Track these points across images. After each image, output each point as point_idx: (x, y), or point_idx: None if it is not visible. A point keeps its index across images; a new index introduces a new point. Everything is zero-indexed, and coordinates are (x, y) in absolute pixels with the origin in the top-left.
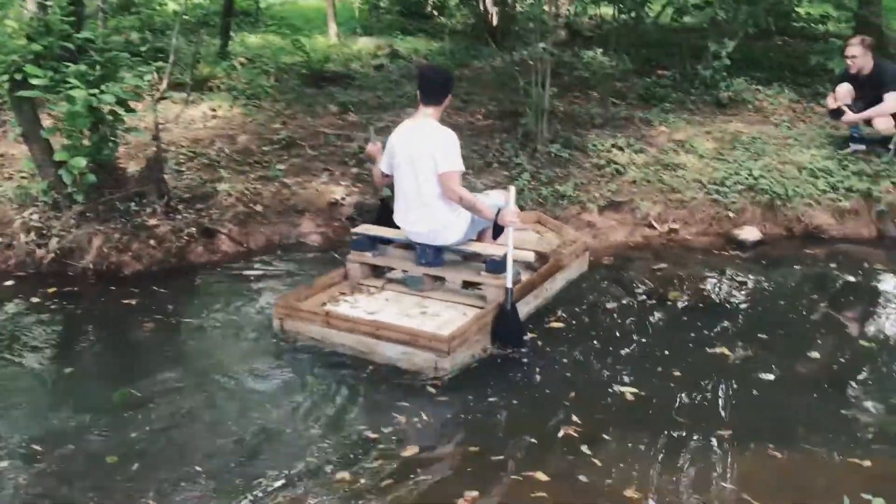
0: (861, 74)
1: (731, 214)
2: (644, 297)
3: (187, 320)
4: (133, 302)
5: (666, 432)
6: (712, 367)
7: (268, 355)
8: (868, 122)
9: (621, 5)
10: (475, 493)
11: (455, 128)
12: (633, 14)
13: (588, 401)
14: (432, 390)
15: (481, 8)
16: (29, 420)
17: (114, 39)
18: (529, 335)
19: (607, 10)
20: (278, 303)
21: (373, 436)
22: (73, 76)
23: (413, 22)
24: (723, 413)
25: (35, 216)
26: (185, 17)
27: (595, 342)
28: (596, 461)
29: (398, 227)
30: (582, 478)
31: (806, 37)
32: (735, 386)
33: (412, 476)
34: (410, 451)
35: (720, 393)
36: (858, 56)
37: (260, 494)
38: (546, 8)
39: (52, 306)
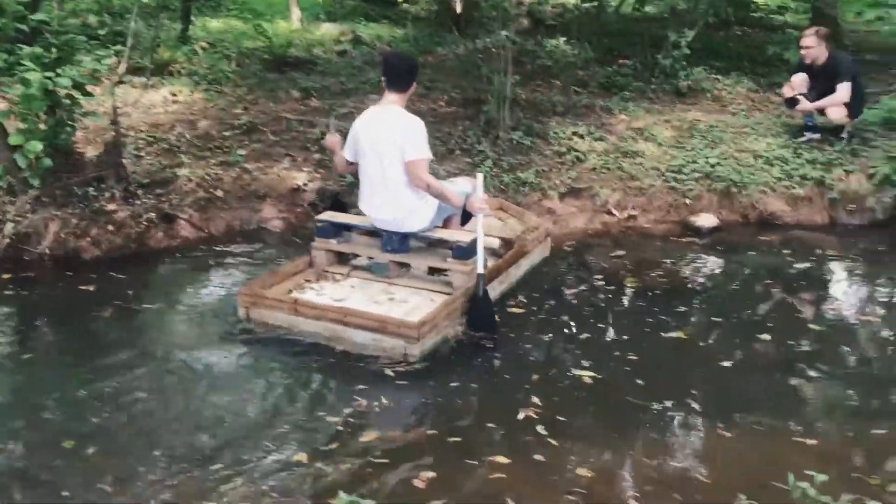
0: (816, 65)
1: (688, 202)
2: (603, 282)
3: (147, 306)
4: (91, 288)
5: (621, 413)
6: (668, 350)
7: (229, 341)
8: (822, 111)
9: None
10: (432, 475)
11: (418, 114)
12: (595, 3)
13: (548, 384)
14: (395, 375)
15: None
16: None
17: (70, 22)
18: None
19: None
20: (243, 290)
21: (333, 420)
22: (27, 59)
23: (376, 8)
24: (676, 394)
25: None
26: (144, 0)
27: (556, 327)
28: (553, 442)
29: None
30: (538, 458)
31: (764, 27)
32: (689, 368)
33: (370, 459)
34: (369, 435)
35: (674, 375)
36: (813, 47)
37: (217, 478)
38: None
39: (8, 292)
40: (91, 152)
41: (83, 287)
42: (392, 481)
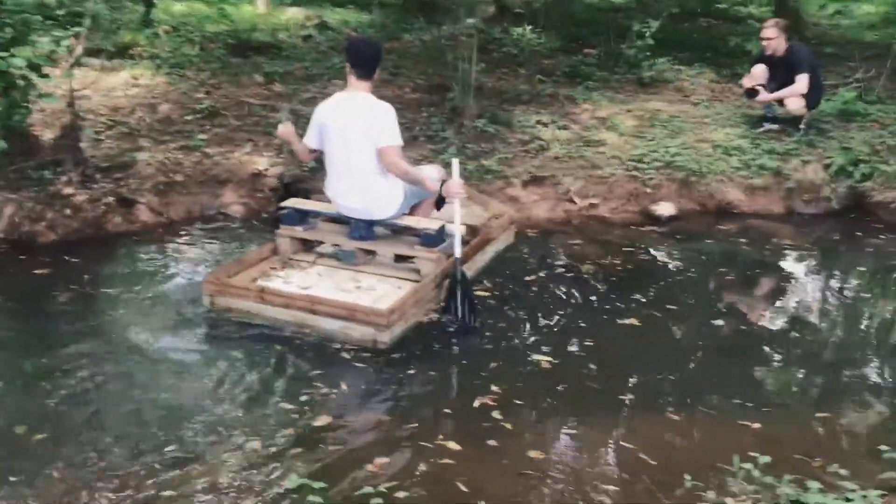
0: (775, 56)
1: (648, 190)
2: (563, 269)
3: (104, 291)
4: (47, 272)
5: (576, 398)
6: (622, 336)
7: (187, 328)
8: (781, 102)
9: None
10: (385, 460)
11: (384, 100)
12: None
13: (507, 369)
14: (355, 362)
15: None
16: None
17: (26, 1)
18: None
19: None
20: (208, 278)
21: (288, 406)
22: None
23: None
24: (629, 379)
25: None
26: None
27: (516, 313)
28: (507, 426)
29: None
30: (492, 442)
31: (729, 18)
32: (642, 354)
33: (322, 445)
34: (323, 420)
35: (627, 361)
36: (773, 38)
37: (168, 464)
38: None
39: None
40: (48, 135)
41: (38, 271)
42: (344, 465)
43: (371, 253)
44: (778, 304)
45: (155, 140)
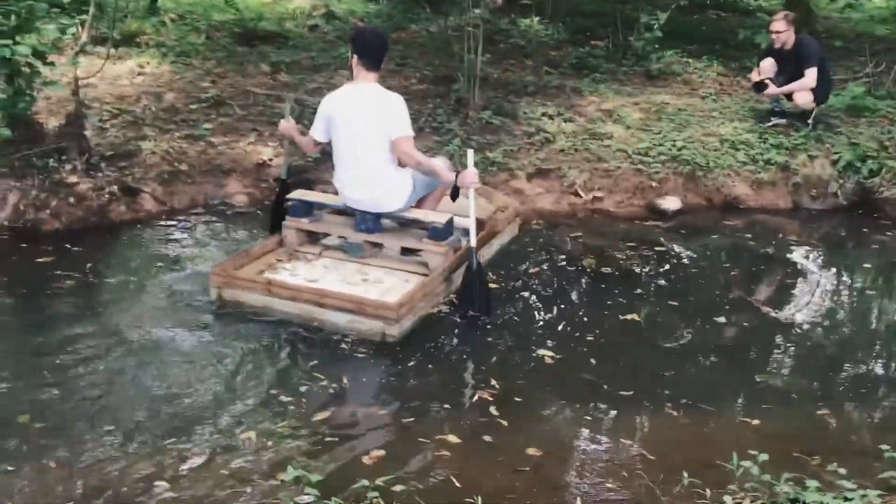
0: (784, 49)
1: (653, 184)
2: (566, 263)
3: (107, 280)
4: (50, 260)
5: (574, 394)
6: (623, 332)
7: (189, 318)
8: (789, 96)
9: None
10: (381, 453)
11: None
12: None
13: (508, 364)
14: (355, 355)
15: None
16: None
17: None
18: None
19: None
20: (215, 271)
21: (287, 398)
22: None
23: None
24: (629, 376)
25: None
26: None
27: (519, 307)
28: (504, 422)
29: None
30: (488, 438)
31: (738, 11)
32: (642, 350)
33: (320, 437)
34: (322, 413)
35: (628, 357)
36: (782, 31)
37: (165, 455)
38: None
39: None
40: (53, 123)
41: (42, 259)
42: (341, 458)
43: (377, 246)
44: (782, 300)
45: (160, 129)
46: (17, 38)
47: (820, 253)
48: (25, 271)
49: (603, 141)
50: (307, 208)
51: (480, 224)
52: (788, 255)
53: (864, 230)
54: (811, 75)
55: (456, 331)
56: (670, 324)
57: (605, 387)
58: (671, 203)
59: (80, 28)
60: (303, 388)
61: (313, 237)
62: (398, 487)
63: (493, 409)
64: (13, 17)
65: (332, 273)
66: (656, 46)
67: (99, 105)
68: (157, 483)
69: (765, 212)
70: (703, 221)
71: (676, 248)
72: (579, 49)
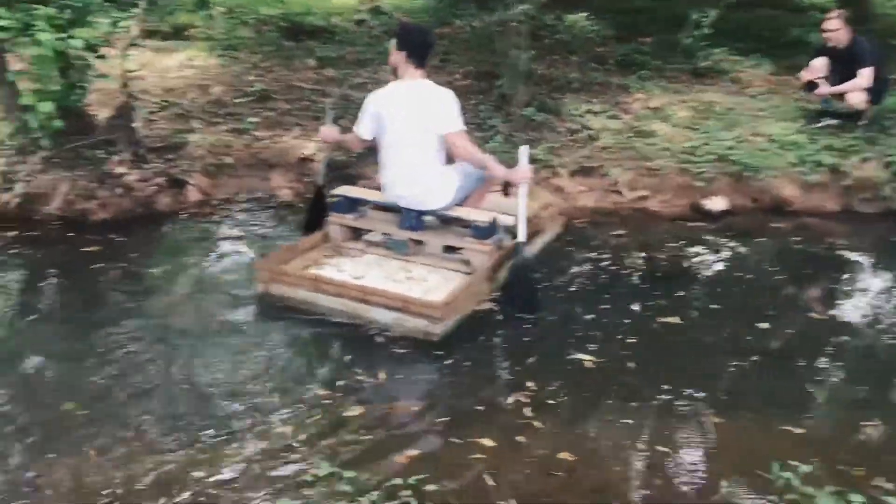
0: (838, 48)
1: (699, 184)
2: (608, 263)
3: (152, 270)
4: (97, 249)
5: (612, 398)
6: (664, 335)
7: (233, 310)
8: (842, 96)
9: None
10: (415, 453)
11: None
12: None
13: (545, 366)
14: (396, 352)
15: None
16: None
17: None
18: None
19: None
20: (261, 265)
21: (322, 393)
22: (41, 19)
23: None
24: (668, 380)
25: (1, 160)
26: None
27: (559, 307)
28: (538, 425)
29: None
30: (521, 440)
31: (791, 9)
32: (682, 353)
33: (355, 434)
34: (356, 409)
35: (668, 361)
36: (836, 30)
37: (203, 446)
38: None
39: (13, 251)
40: (104, 115)
41: (89, 248)
42: (375, 456)
43: (420, 243)
44: (830, 305)
45: (206, 122)
46: (71, 32)
47: (870, 257)
48: (72, 260)
49: (648, 139)
50: (351, 204)
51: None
52: (837, 260)
53: None
54: (866, 75)
55: (495, 330)
56: (712, 327)
57: (644, 391)
58: (717, 204)
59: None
60: (339, 384)
61: (357, 233)
62: (430, 487)
63: (527, 412)
64: (68, 11)
65: (376, 269)
66: (705, 44)
67: (148, 97)
68: (192, 474)
69: (814, 215)
70: (749, 223)
71: (721, 250)
72: (626, 45)
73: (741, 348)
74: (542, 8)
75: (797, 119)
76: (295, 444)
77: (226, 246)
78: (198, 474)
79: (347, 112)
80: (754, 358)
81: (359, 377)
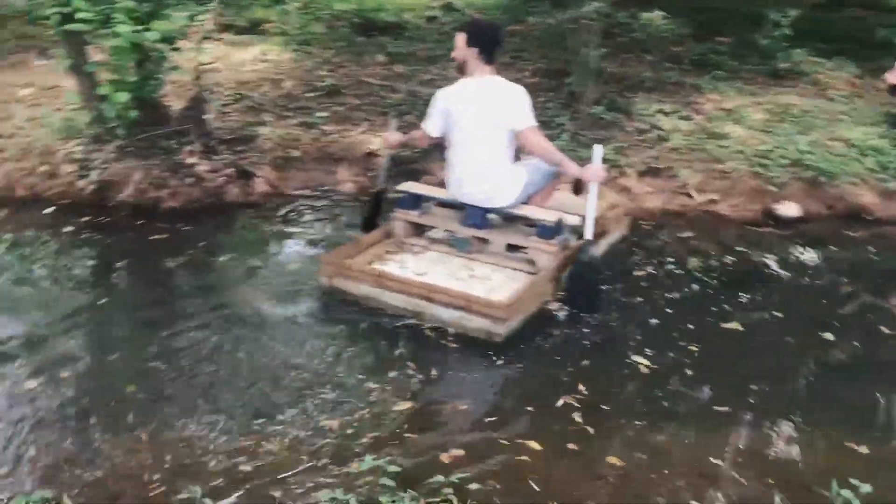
0: None
1: (772, 189)
2: (673, 266)
3: (219, 259)
4: (165, 237)
5: (666, 405)
6: (724, 342)
7: (294, 302)
8: None
9: None
10: (460, 453)
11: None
12: None
13: (600, 369)
14: (450, 350)
15: None
16: (58, 344)
17: None
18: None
19: None
20: (327, 260)
21: (373, 387)
22: (120, 12)
23: None
24: (725, 389)
25: (79, 148)
26: None
27: (620, 310)
28: (589, 429)
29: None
30: (571, 445)
31: (879, 9)
32: (743, 362)
33: (399, 429)
34: (404, 405)
35: (728, 368)
36: None
37: (251, 435)
38: None
39: (84, 235)
40: (178, 106)
41: (159, 236)
42: (419, 452)
43: (483, 241)
44: None
45: (277, 115)
46: (148, 25)
47: None
48: (141, 247)
49: (721, 141)
50: (416, 201)
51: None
52: None
53: None
54: None
55: (553, 331)
56: (775, 336)
57: (699, 399)
58: (790, 209)
59: (210, 15)
60: (391, 378)
61: (420, 229)
62: (473, 486)
63: (578, 415)
64: (147, 4)
65: (439, 267)
66: (785, 44)
67: (222, 90)
68: (237, 462)
69: (893, 224)
70: (822, 231)
71: (790, 257)
72: (702, 45)
73: (803, 359)
74: (616, 5)
75: (880, 123)
76: (340, 437)
77: (290, 238)
78: (242, 462)
79: (414, 108)
80: (817, 370)
81: (410, 373)
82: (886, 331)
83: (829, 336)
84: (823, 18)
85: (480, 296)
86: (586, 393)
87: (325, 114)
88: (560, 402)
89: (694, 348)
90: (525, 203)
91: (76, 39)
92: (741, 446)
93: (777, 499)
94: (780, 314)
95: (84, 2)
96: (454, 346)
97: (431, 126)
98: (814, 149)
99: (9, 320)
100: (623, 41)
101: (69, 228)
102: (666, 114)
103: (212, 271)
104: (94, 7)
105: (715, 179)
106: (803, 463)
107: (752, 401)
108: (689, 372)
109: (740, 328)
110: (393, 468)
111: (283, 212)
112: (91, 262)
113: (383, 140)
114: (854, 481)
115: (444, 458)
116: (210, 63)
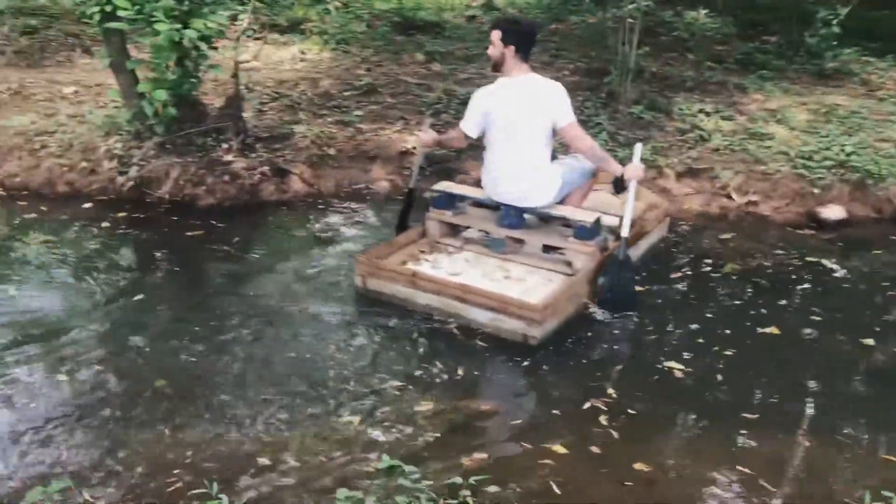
0: None
1: (816, 191)
2: (710, 269)
3: (254, 256)
4: (201, 234)
5: (696, 411)
6: (760, 347)
7: (326, 299)
8: None
9: None
10: (483, 456)
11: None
12: None
13: (630, 374)
14: (478, 349)
15: None
16: (91, 338)
17: None
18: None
19: None
20: (361, 260)
21: (396, 385)
22: (160, 10)
23: None
24: (758, 396)
25: (119, 144)
26: None
27: (656, 313)
28: (615, 434)
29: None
30: (594, 448)
31: None
32: (778, 368)
33: (420, 428)
34: (427, 404)
35: (761, 375)
36: None
37: (271, 430)
38: None
39: (120, 231)
40: (217, 104)
41: (193, 233)
42: (439, 453)
43: (518, 241)
44: None
45: (313, 113)
46: (188, 23)
47: None
48: (177, 243)
49: (763, 142)
50: (450, 200)
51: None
52: None
53: None
54: None
55: (585, 332)
56: (812, 342)
57: (731, 406)
58: (834, 212)
59: (251, 15)
60: (415, 378)
61: (454, 229)
62: (492, 488)
63: (604, 419)
64: (186, 2)
65: (473, 267)
66: (833, 43)
67: (261, 88)
68: (257, 458)
69: None
70: (868, 234)
71: (832, 261)
72: (748, 44)
73: (841, 366)
74: (661, 4)
75: None
76: (360, 435)
77: (323, 236)
78: (262, 458)
79: (450, 107)
80: (855, 378)
81: (436, 371)
82: None
83: (869, 342)
84: (873, 17)
85: (516, 297)
86: (615, 397)
87: (361, 112)
88: (587, 406)
89: (729, 353)
90: (561, 203)
91: (117, 37)
92: (771, 454)
93: None
94: (819, 318)
95: (125, 0)
96: (482, 346)
97: (470, 126)
98: (860, 150)
99: (44, 313)
100: (666, 40)
101: (107, 224)
102: (707, 114)
103: (245, 268)
104: (133, 5)
105: (756, 181)
106: (835, 473)
107: (784, 408)
108: (721, 377)
109: (778, 332)
110: (410, 468)
111: (317, 209)
112: (127, 258)
113: (417, 138)
114: (888, 493)
115: (465, 459)
116: (249, 61)
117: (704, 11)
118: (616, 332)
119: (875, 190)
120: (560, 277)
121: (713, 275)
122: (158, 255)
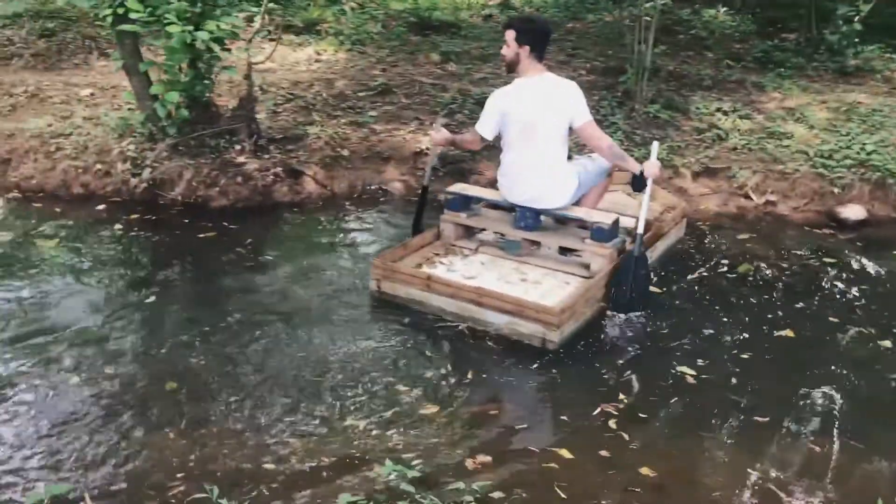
0: None
1: (835, 190)
2: (726, 271)
3: (267, 258)
4: (214, 235)
5: (707, 415)
6: (775, 350)
7: (341, 303)
8: None
9: None
10: (487, 459)
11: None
12: None
13: (642, 378)
14: (487, 352)
15: None
16: (103, 340)
17: None
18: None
19: None
20: (376, 263)
21: (402, 388)
22: (172, 12)
23: None
24: (772, 400)
25: (132, 146)
26: None
27: (671, 316)
28: (624, 438)
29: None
30: (603, 453)
31: None
32: (792, 372)
33: (425, 432)
34: (435, 407)
35: (775, 378)
36: None
37: (278, 433)
38: None
39: (133, 233)
40: (231, 105)
41: (208, 234)
42: (443, 458)
43: (534, 244)
44: None
45: (327, 114)
46: (199, 25)
47: None
48: (190, 245)
49: (782, 141)
50: (465, 202)
51: (647, 225)
52: None
53: None
54: None
55: (598, 335)
56: (828, 345)
57: (746, 410)
58: (854, 212)
59: (266, 17)
60: (423, 380)
61: (469, 231)
62: (496, 494)
63: (613, 424)
64: (198, 4)
65: (489, 270)
66: (855, 40)
67: (275, 90)
68: (261, 461)
69: None
70: (888, 234)
71: (852, 262)
72: (766, 42)
73: (857, 369)
74: (678, 2)
75: None
76: (363, 439)
77: (338, 236)
78: (265, 461)
79: (465, 107)
80: (872, 381)
81: (444, 374)
82: None
83: (887, 344)
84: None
85: (533, 301)
86: (626, 402)
87: (375, 113)
88: (597, 411)
89: (745, 357)
90: (576, 204)
91: (130, 40)
92: (783, 460)
93: None
94: (836, 321)
95: (137, 2)
96: (494, 349)
97: (486, 128)
98: (881, 148)
99: (56, 315)
100: (683, 38)
101: (120, 226)
102: (725, 113)
103: (258, 270)
104: (146, 7)
105: (775, 180)
106: (848, 480)
107: (798, 413)
108: (735, 381)
109: (793, 335)
110: (413, 473)
111: (330, 211)
112: (140, 259)
113: (431, 138)
114: None
115: (470, 463)
116: (263, 63)
117: (724, 9)
118: (629, 334)
119: None
120: (577, 280)
121: (729, 276)
122: (171, 256)
